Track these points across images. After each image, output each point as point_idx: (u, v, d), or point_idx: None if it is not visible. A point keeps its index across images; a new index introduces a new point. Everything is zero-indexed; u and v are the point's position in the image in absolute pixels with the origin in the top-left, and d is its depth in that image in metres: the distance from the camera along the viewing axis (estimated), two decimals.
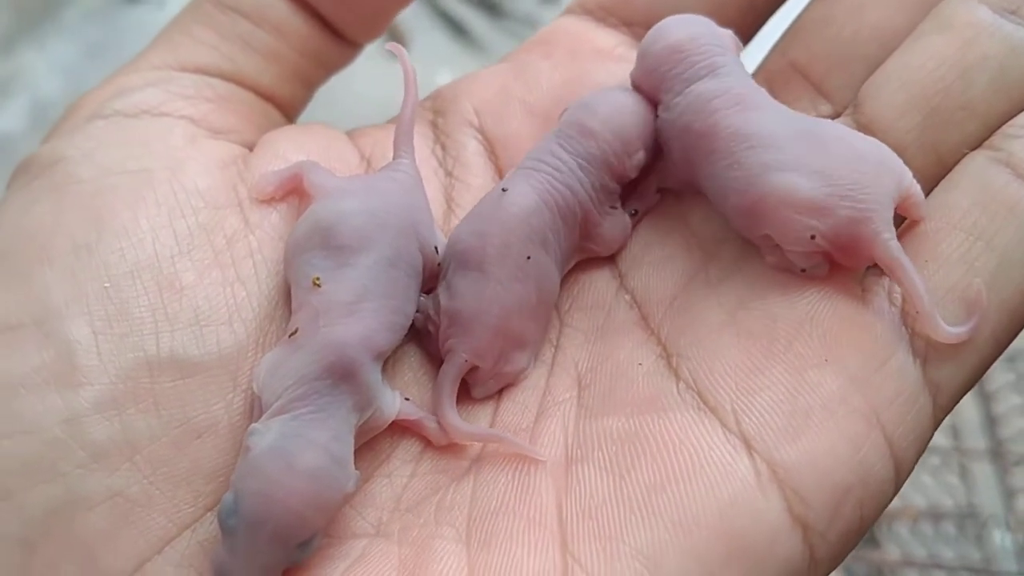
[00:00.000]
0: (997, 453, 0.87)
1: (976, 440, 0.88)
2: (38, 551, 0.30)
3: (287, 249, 0.35)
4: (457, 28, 1.04)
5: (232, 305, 0.34)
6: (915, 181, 0.35)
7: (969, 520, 0.85)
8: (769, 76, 0.41)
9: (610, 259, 0.39)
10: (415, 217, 0.36)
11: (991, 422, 0.89)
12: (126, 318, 0.33)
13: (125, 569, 0.31)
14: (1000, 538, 0.87)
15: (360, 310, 0.33)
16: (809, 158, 0.34)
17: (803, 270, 0.35)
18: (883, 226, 0.34)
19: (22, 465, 0.31)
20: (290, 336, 0.33)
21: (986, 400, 0.88)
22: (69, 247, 0.34)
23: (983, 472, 0.87)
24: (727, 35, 0.39)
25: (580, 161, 0.37)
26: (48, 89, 1.14)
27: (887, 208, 0.34)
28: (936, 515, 0.85)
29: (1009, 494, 0.86)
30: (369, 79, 0.84)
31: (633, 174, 0.39)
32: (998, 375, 0.86)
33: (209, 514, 0.32)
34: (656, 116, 0.39)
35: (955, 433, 0.88)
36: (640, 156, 0.38)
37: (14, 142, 1.14)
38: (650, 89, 0.39)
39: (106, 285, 0.33)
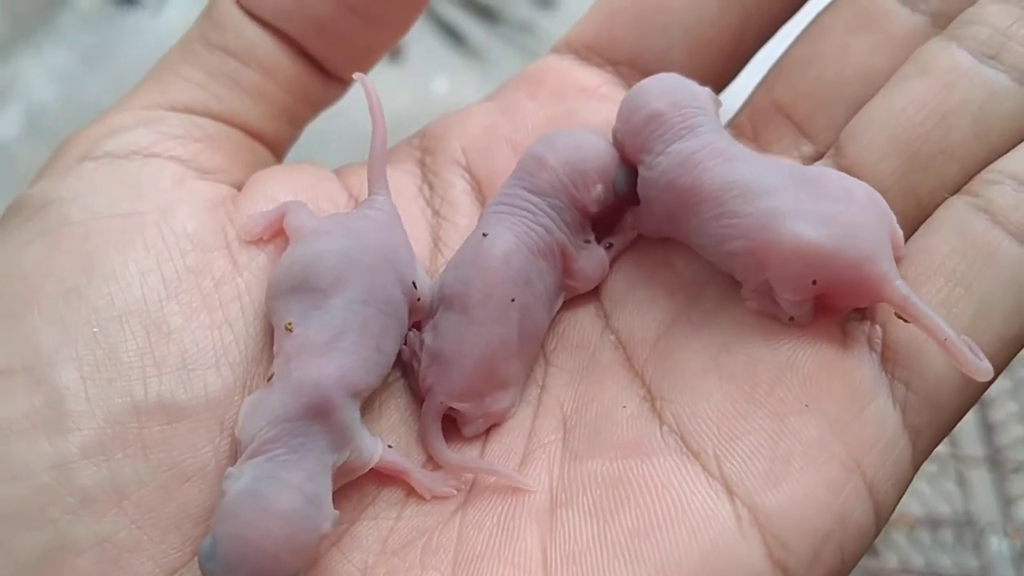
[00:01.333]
0: (995, 460, 0.87)
1: (974, 447, 0.88)
2: None
3: (267, 292, 0.36)
4: (454, 35, 1.03)
5: (219, 348, 0.35)
6: (897, 225, 0.35)
7: (967, 528, 0.85)
8: (753, 114, 0.42)
9: (595, 297, 0.40)
10: (391, 253, 0.36)
11: (988, 429, 0.89)
12: (114, 363, 0.33)
13: None
14: (997, 545, 0.87)
15: (333, 349, 0.34)
16: (806, 202, 0.34)
17: (790, 319, 0.35)
18: (889, 266, 0.34)
19: (11, 511, 0.31)
20: (268, 380, 0.34)
21: (983, 407, 0.89)
22: (59, 291, 0.34)
23: (981, 479, 0.87)
24: (706, 94, 0.39)
25: (548, 199, 0.38)
26: (44, 96, 1.14)
27: (888, 247, 0.34)
28: (934, 523, 0.85)
29: (1007, 501, 0.86)
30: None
31: (594, 208, 0.39)
32: (996, 382, 0.85)
33: (195, 559, 0.32)
34: (637, 175, 0.39)
35: (952, 440, 0.88)
36: (599, 190, 0.39)
37: (10, 149, 1.14)
38: (631, 149, 0.39)
39: (95, 330, 0.33)
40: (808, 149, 0.40)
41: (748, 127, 0.42)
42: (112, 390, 0.33)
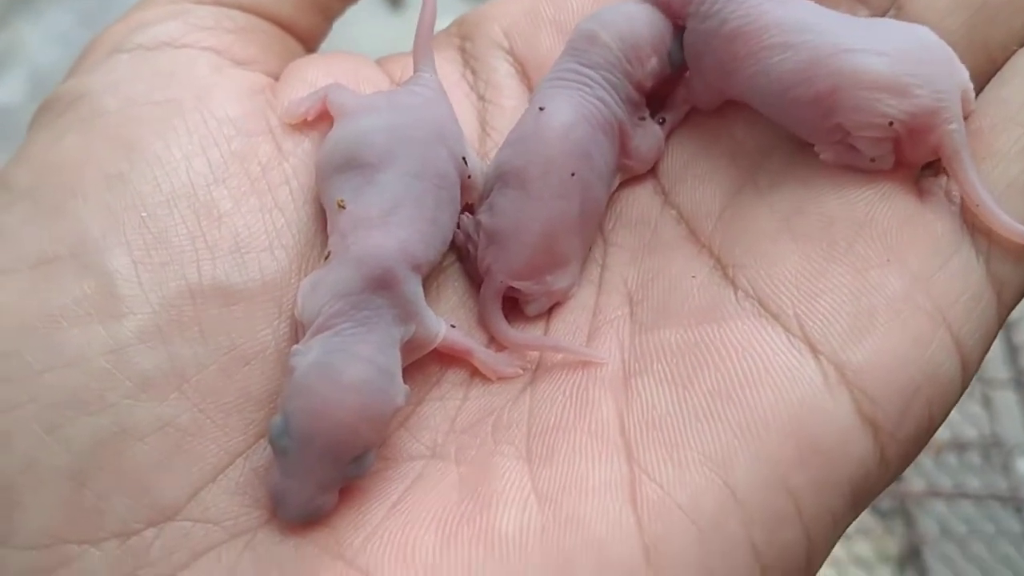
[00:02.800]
0: (1020, 382, 0.87)
1: (998, 370, 0.88)
2: (88, 483, 0.30)
3: (316, 174, 0.35)
4: None
5: (272, 231, 0.34)
6: (967, 73, 0.34)
7: (994, 449, 0.85)
8: None
9: (652, 175, 0.38)
10: (440, 128, 0.35)
11: (1013, 351, 0.89)
12: (165, 247, 0.32)
13: (179, 499, 0.30)
14: None
15: (389, 223, 0.33)
16: (878, 43, 0.34)
17: (872, 160, 0.34)
18: (956, 114, 0.33)
19: (67, 398, 0.30)
20: (325, 259, 0.33)
21: (1008, 330, 0.88)
22: (101, 178, 0.33)
23: (1006, 401, 0.87)
24: None
25: (603, 73, 0.37)
26: (46, 60, 1.13)
27: (958, 97, 0.34)
28: (960, 445, 0.85)
29: None
30: (371, 36, 0.83)
31: (649, 82, 0.38)
32: (1019, 305, 0.85)
33: (261, 441, 0.32)
34: (682, 29, 0.38)
35: None
36: (654, 63, 0.38)
37: (14, 114, 1.13)
38: (680, 2, 0.38)
39: (143, 215, 0.33)
40: (864, 12, 0.38)
41: None
42: (165, 274, 0.32)
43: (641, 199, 0.38)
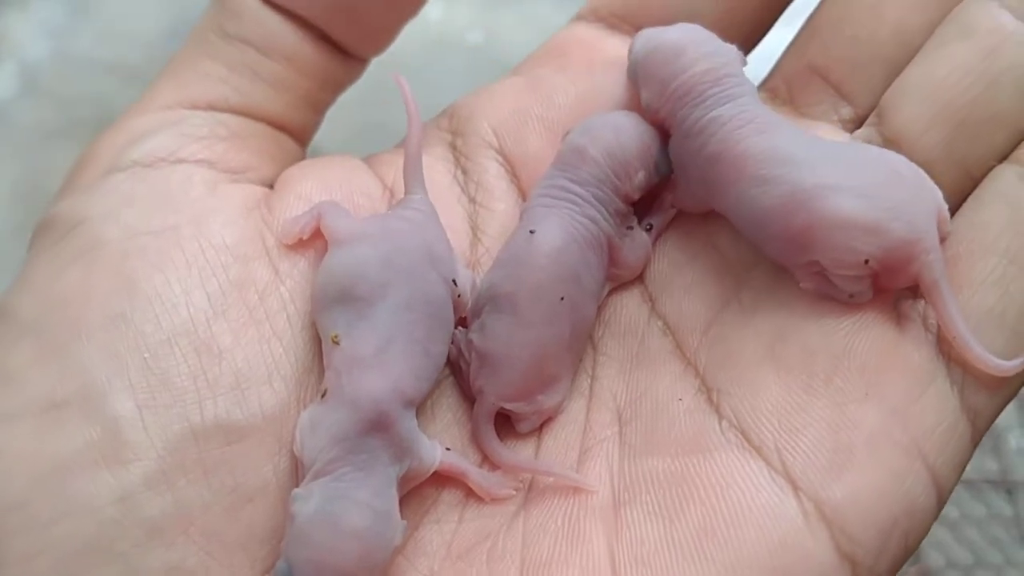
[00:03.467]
0: None
1: None
2: None
3: (312, 303, 0.35)
4: None
5: (271, 363, 0.34)
6: (943, 201, 0.35)
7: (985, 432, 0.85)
8: (788, 77, 0.41)
9: (639, 280, 0.39)
10: (431, 253, 0.36)
11: None
12: (168, 388, 0.33)
13: None
14: (1016, 442, 0.88)
15: (383, 361, 0.34)
16: (851, 178, 0.34)
17: (850, 296, 0.34)
18: (933, 245, 0.34)
19: (81, 547, 0.31)
20: (322, 397, 0.34)
21: None
22: (104, 318, 0.33)
23: None
24: (734, 52, 0.38)
25: (591, 190, 0.37)
26: (36, 52, 1.13)
27: (934, 228, 0.34)
28: None
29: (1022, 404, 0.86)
30: None
31: (636, 195, 0.39)
32: None
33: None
34: (668, 137, 0.38)
35: None
36: (641, 176, 0.38)
37: (5, 108, 1.12)
38: (665, 114, 0.38)
39: (145, 356, 0.33)
40: (848, 112, 0.39)
41: (784, 90, 0.41)
42: (168, 416, 0.33)
43: (629, 306, 0.39)
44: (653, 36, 0.38)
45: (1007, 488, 0.83)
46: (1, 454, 0.32)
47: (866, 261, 0.33)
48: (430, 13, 1.11)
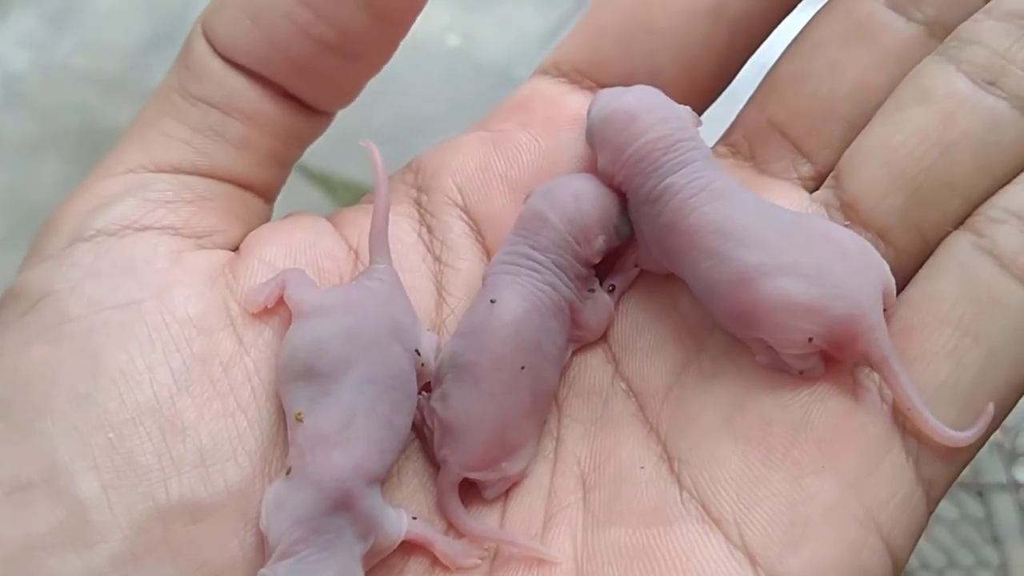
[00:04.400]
0: None
1: None
2: None
3: (276, 377, 0.35)
4: None
5: (235, 438, 0.34)
6: (891, 275, 0.35)
7: None
8: (748, 132, 0.41)
9: (603, 339, 0.39)
10: (394, 325, 0.36)
11: None
12: (133, 468, 0.33)
13: None
14: (986, 445, 0.89)
15: (346, 439, 0.34)
16: (798, 257, 0.34)
17: (800, 372, 0.35)
18: (877, 322, 0.34)
19: None
20: (287, 473, 0.34)
21: None
22: (69, 397, 0.34)
23: None
24: (688, 114, 0.38)
25: (552, 256, 0.38)
26: (17, 64, 1.13)
27: (878, 303, 0.34)
28: None
29: None
30: None
31: (597, 259, 0.39)
32: None
33: None
34: (627, 199, 0.39)
35: None
36: (601, 241, 0.38)
37: None
38: (619, 178, 0.38)
39: (110, 435, 0.33)
40: (807, 169, 0.40)
41: (744, 145, 0.41)
42: (134, 496, 0.33)
43: (593, 367, 0.39)
44: (608, 102, 0.39)
45: (978, 490, 0.84)
46: None
47: (810, 339, 0.34)
48: None
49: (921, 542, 0.82)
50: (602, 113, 0.38)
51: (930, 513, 0.35)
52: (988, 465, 0.86)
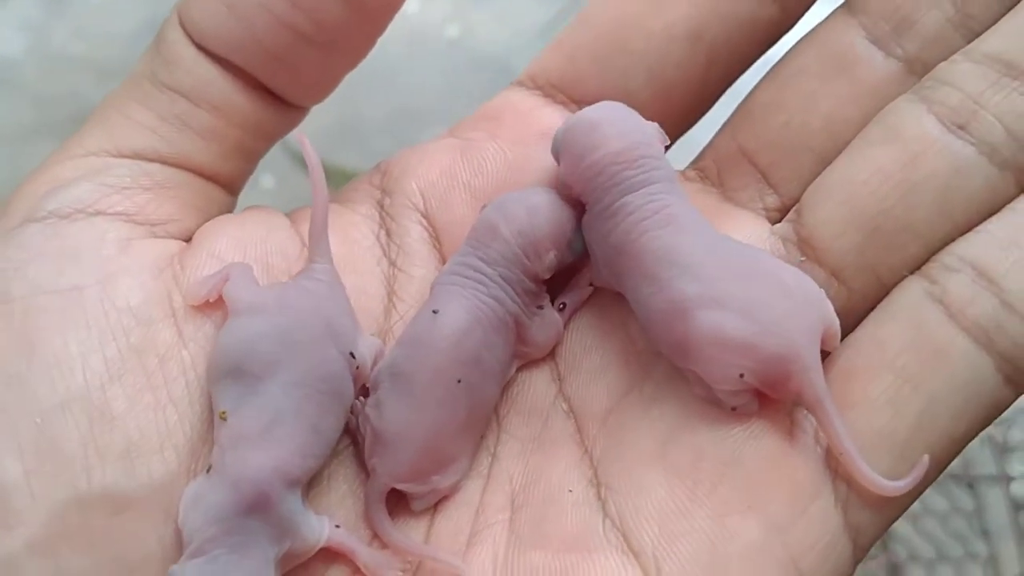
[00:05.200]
0: None
1: None
2: None
3: (207, 375, 0.35)
4: None
5: (164, 431, 0.34)
6: (835, 316, 0.35)
7: None
8: (718, 158, 0.41)
9: (551, 357, 0.39)
10: (330, 325, 0.36)
11: None
12: (57, 455, 0.33)
13: None
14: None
15: (268, 440, 0.34)
16: (736, 292, 0.34)
17: (732, 408, 0.35)
18: (811, 363, 0.34)
19: None
20: (208, 471, 0.34)
21: None
22: (1, 378, 0.33)
23: None
24: (654, 130, 0.38)
25: (500, 270, 0.37)
26: (12, 49, 1.13)
27: (814, 344, 0.34)
28: None
29: None
30: None
31: (547, 275, 0.38)
32: None
33: None
34: (584, 214, 0.38)
35: None
36: (551, 257, 0.38)
37: None
38: (579, 191, 0.38)
39: (37, 420, 0.33)
40: (772, 200, 0.39)
41: (713, 170, 0.41)
42: (55, 484, 0.32)
43: (537, 385, 0.39)
44: (572, 116, 0.38)
45: (968, 482, 0.85)
46: None
47: (741, 375, 0.34)
48: (408, 7, 1.12)
49: (910, 533, 0.83)
50: (568, 123, 0.38)
51: (857, 561, 0.34)
52: (979, 457, 0.87)
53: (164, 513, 0.33)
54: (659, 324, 0.35)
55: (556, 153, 0.39)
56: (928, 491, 0.80)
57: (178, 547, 0.33)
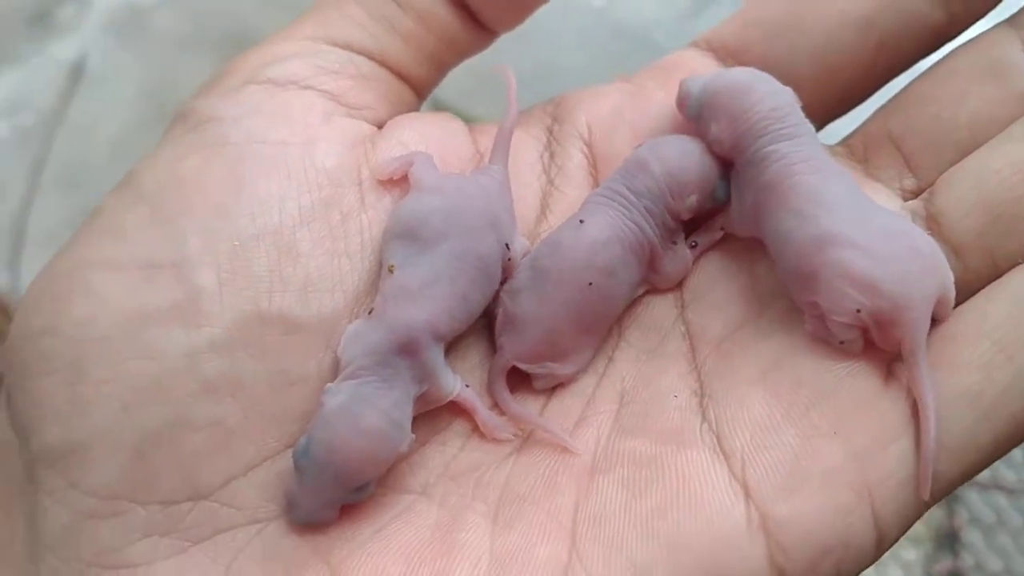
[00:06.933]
0: None
1: None
2: (146, 457, 0.36)
3: (383, 234, 0.40)
4: None
5: (336, 276, 0.39)
6: (953, 287, 0.38)
7: None
8: (866, 138, 0.44)
9: (677, 287, 0.43)
10: (493, 218, 0.40)
11: None
12: (248, 274, 0.38)
13: (213, 484, 0.37)
14: None
15: (424, 296, 0.38)
16: (872, 238, 0.37)
17: (841, 342, 0.38)
18: (920, 320, 0.36)
19: (144, 385, 0.36)
20: (369, 314, 0.39)
21: None
22: (211, 204, 0.38)
23: None
24: (790, 93, 0.41)
25: (645, 202, 0.41)
26: None
27: (928, 304, 0.37)
28: None
29: None
30: None
31: (686, 216, 0.42)
32: None
33: (288, 450, 0.38)
34: (731, 166, 0.42)
35: None
36: (692, 200, 0.42)
37: (145, 14, 1.17)
38: (728, 144, 0.41)
39: (236, 243, 0.38)
40: (910, 183, 0.42)
41: (860, 149, 0.44)
42: (242, 297, 0.37)
43: (661, 307, 0.43)
44: (717, 77, 0.42)
45: None
46: (99, 294, 0.37)
47: (858, 311, 0.37)
48: None
49: (980, 543, 0.82)
50: (714, 86, 0.42)
51: (925, 508, 0.37)
52: None
53: (325, 343, 0.38)
54: (795, 255, 0.38)
55: (697, 115, 0.42)
56: (1005, 504, 0.80)
57: (332, 373, 0.38)
